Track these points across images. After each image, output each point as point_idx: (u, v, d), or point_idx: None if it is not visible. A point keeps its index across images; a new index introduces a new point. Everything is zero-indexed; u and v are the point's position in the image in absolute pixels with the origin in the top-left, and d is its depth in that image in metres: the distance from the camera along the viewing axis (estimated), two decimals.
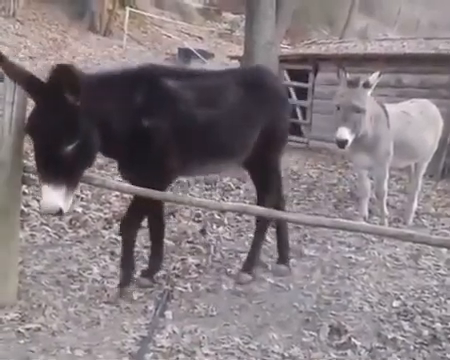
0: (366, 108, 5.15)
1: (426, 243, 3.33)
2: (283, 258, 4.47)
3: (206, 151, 3.84)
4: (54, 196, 2.94)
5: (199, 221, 5.47)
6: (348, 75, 5.18)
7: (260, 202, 4.08)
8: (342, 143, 5.05)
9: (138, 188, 3.30)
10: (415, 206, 6.35)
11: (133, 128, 3.46)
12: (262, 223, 4.27)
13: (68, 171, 3.01)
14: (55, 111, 2.92)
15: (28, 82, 3.05)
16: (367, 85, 5.17)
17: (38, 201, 3.23)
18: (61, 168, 2.96)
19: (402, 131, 5.74)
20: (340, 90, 5.24)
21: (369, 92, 5.22)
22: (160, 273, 4.10)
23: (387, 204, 6.32)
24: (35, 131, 2.98)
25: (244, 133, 3.98)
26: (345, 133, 5.02)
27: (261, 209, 3.47)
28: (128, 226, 3.81)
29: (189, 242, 4.86)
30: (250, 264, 4.26)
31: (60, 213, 3.05)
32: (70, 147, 2.95)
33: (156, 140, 3.52)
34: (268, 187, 4.27)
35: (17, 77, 3.09)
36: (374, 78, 5.22)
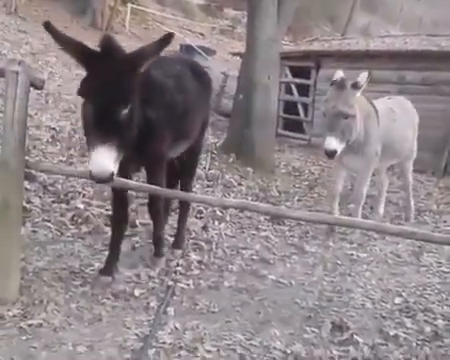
0: (355, 113, 4.79)
1: (429, 241, 3.32)
2: (177, 243, 4.62)
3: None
4: (107, 159, 2.92)
5: (201, 218, 5.47)
6: (334, 76, 4.87)
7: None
8: (331, 154, 4.67)
9: (144, 185, 3.31)
10: (413, 203, 6.27)
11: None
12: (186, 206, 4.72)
13: (121, 135, 3.01)
14: (113, 76, 2.97)
15: (79, 50, 3.06)
16: (356, 86, 4.79)
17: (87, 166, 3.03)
18: (115, 131, 2.97)
19: (389, 130, 5.40)
20: (327, 94, 4.88)
21: (358, 94, 4.87)
22: (162, 270, 4.11)
23: (389, 201, 6.34)
24: (92, 94, 2.99)
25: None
26: (333, 143, 4.64)
27: (263, 205, 3.46)
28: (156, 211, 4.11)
29: (191, 239, 4.85)
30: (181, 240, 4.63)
31: (110, 179, 2.98)
32: (125, 111, 3.00)
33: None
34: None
35: (66, 45, 3.08)
36: (364, 78, 4.81)
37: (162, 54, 3.33)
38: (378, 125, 5.23)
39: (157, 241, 4.28)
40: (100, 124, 2.95)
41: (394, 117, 5.56)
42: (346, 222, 3.51)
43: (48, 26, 3.03)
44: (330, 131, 4.68)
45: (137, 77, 3.11)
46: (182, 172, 4.69)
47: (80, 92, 3.05)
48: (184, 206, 4.71)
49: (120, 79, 2.99)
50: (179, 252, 4.49)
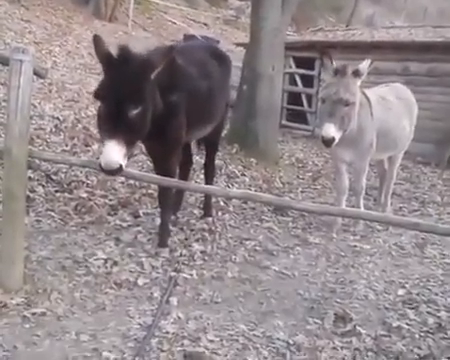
0: (356, 100, 4.69)
1: (433, 232, 3.31)
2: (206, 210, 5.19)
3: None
4: (116, 152, 3.21)
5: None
6: (334, 63, 4.72)
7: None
8: (328, 141, 4.53)
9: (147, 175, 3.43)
10: (389, 201, 6.02)
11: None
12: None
13: (131, 132, 3.34)
14: (127, 79, 3.34)
15: (104, 55, 3.44)
16: (357, 74, 4.68)
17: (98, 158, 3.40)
18: (126, 128, 3.29)
19: (384, 119, 5.22)
20: (326, 80, 4.75)
21: (359, 82, 4.76)
22: (165, 260, 4.12)
23: (393, 193, 6.31)
24: (107, 94, 3.35)
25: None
26: (331, 130, 4.49)
27: (266, 196, 3.45)
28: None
29: (194, 229, 4.85)
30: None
31: (120, 170, 3.23)
32: (136, 111, 3.33)
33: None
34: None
35: (98, 51, 3.46)
36: (365, 66, 4.72)
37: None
38: (371, 115, 5.09)
39: (162, 230, 4.36)
40: (112, 121, 3.28)
41: (389, 106, 5.39)
42: (350, 213, 3.49)
43: (97, 40, 3.49)
44: (329, 118, 4.54)
45: (149, 81, 3.46)
46: (207, 148, 5.25)
47: (96, 94, 3.41)
48: (209, 173, 5.27)
49: (132, 83, 3.34)
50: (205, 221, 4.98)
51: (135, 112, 3.33)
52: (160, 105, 3.78)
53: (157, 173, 4.49)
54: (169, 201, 4.46)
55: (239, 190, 3.24)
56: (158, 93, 3.76)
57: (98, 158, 3.39)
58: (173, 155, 4.25)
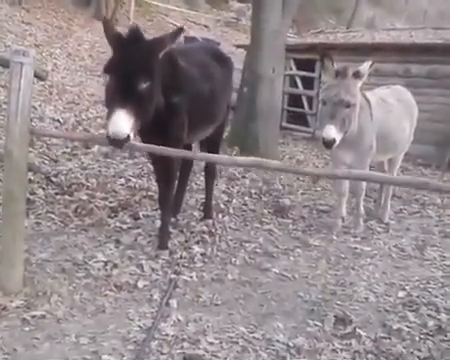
0: (357, 102, 4.69)
1: (440, 190, 3.28)
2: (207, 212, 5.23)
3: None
4: (125, 122, 3.28)
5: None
6: (335, 64, 4.70)
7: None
8: (329, 143, 4.50)
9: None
10: (389, 203, 5.94)
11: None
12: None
13: (139, 105, 3.42)
14: (137, 56, 3.47)
15: (114, 36, 3.61)
16: (358, 75, 4.68)
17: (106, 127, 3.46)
18: (135, 100, 3.39)
19: (384, 121, 5.20)
20: (327, 82, 4.76)
21: (360, 84, 4.76)
22: (165, 262, 4.12)
23: (393, 195, 6.30)
24: (118, 69, 3.47)
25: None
26: (332, 132, 4.47)
27: (274, 162, 3.36)
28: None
29: (194, 231, 4.85)
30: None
31: (126, 140, 3.28)
32: (144, 85, 3.45)
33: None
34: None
35: (108, 33, 3.62)
36: (366, 68, 4.72)
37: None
38: (371, 117, 5.09)
39: (162, 232, 4.36)
40: (122, 92, 3.38)
41: (389, 108, 5.38)
42: (355, 175, 3.42)
43: (106, 23, 3.73)
44: (330, 119, 4.53)
45: (157, 60, 3.59)
46: (208, 150, 5.09)
47: (107, 68, 3.54)
48: (210, 175, 5.26)
49: (142, 59, 3.48)
50: (205, 223, 4.99)
51: (144, 86, 3.45)
52: (162, 104, 3.83)
53: (157, 175, 4.54)
54: (169, 203, 4.46)
55: (247, 158, 3.18)
56: (160, 93, 3.80)
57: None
58: (174, 158, 4.24)
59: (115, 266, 3.95)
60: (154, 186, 5.45)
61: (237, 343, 3.11)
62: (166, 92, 3.87)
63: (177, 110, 4.08)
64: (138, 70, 3.44)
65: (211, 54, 4.94)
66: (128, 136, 3.26)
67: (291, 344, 3.15)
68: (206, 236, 4.73)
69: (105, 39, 3.68)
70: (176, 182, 4.73)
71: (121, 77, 3.45)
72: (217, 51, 5.35)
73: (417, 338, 3.33)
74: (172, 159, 4.22)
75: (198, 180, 6.30)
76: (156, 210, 4.98)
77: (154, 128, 3.80)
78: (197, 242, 4.61)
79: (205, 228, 4.89)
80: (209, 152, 5.17)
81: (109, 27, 3.72)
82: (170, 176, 4.40)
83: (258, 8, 8.08)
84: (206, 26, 22.29)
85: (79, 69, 12.23)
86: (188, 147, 4.89)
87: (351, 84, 4.66)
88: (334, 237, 5.12)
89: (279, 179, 7.17)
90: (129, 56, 3.47)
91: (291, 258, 4.57)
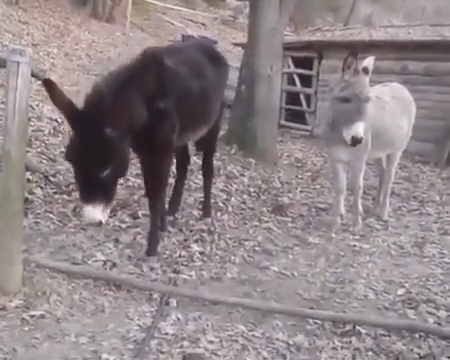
0: None
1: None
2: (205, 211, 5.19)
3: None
4: (95, 213, 3.46)
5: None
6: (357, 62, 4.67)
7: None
8: (358, 141, 4.56)
9: None
10: (388, 201, 5.93)
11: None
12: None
13: (104, 190, 3.50)
14: (92, 142, 3.33)
15: (65, 106, 3.44)
16: (367, 71, 4.72)
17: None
18: (98, 189, 3.44)
19: (378, 118, 5.20)
20: (347, 79, 4.69)
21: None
22: (164, 261, 4.12)
23: (392, 192, 6.30)
24: (75, 159, 3.44)
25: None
26: (361, 129, 4.55)
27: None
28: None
29: (193, 230, 4.84)
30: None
31: (100, 224, 3.54)
32: (105, 172, 3.41)
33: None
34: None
35: (58, 103, 3.46)
36: (371, 63, 4.78)
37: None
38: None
39: (151, 238, 4.23)
40: (84, 184, 3.45)
41: (383, 105, 5.37)
42: None
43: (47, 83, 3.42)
44: (359, 116, 4.57)
45: (115, 138, 3.41)
46: (204, 150, 5.18)
47: (66, 156, 3.53)
48: (208, 174, 5.19)
49: (99, 145, 3.34)
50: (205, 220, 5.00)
51: (105, 174, 3.41)
52: (144, 115, 3.73)
53: (146, 180, 4.36)
54: (160, 205, 4.31)
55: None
56: (144, 99, 3.71)
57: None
58: (164, 163, 4.14)
59: (114, 265, 3.95)
60: None
61: (237, 341, 3.11)
62: (152, 98, 3.77)
63: (165, 114, 3.92)
64: (95, 159, 3.34)
65: (203, 52, 4.76)
66: (101, 221, 3.49)
67: (291, 342, 3.15)
68: (205, 235, 4.73)
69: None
70: (165, 187, 4.45)
71: (80, 168, 3.43)
72: (210, 48, 5.20)
73: (417, 335, 3.33)
74: (162, 164, 4.11)
75: (196, 179, 6.29)
76: None
77: (143, 136, 3.74)
78: (196, 241, 4.60)
79: (204, 227, 4.89)
80: (204, 152, 5.18)
81: (55, 92, 3.41)
82: (160, 181, 4.20)
83: (255, 6, 8.06)
84: (203, 24, 22.25)
85: (76, 68, 12.19)
86: (183, 148, 4.84)
87: (366, 80, 4.70)
88: (333, 235, 5.12)
89: (278, 177, 7.18)
90: (85, 144, 3.34)
91: (290, 256, 4.57)
